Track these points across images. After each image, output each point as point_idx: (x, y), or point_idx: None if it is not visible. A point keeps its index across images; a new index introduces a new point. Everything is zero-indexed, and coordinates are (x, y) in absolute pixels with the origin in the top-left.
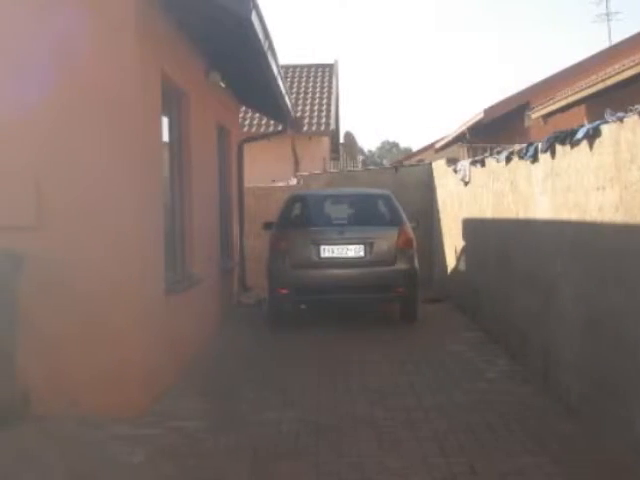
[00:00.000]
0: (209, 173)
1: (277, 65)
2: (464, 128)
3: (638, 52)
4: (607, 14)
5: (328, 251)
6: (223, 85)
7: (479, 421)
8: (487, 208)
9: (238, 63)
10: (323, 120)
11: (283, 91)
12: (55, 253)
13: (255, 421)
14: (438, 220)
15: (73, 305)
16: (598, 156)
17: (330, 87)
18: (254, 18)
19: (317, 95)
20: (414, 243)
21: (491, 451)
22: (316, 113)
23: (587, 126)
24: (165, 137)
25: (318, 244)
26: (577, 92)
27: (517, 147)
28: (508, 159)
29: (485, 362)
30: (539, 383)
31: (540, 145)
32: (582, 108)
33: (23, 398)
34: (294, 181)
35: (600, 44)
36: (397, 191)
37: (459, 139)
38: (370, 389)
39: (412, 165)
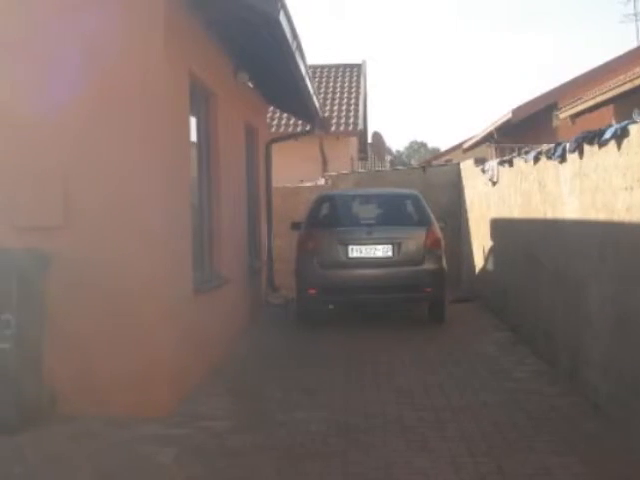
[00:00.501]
0: (237, 173)
1: (305, 65)
2: (492, 128)
3: None
4: (635, 14)
5: (356, 251)
6: (251, 85)
7: (507, 421)
8: (515, 208)
9: (266, 63)
10: (351, 120)
11: (311, 91)
12: (82, 253)
13: (283, 421)
14: (466, 220)
15: (100, 305)
16: (626, 156)
17: (358, 87)
18: (282, 18)
19: (345, 95)
20: (442, 243)
21: (518, 451)
22: (344, 113)
23: (615, 126)
24: (193, 137)
25: (346, 244)
26: (605, 92)
27: (545, 147)
28: (536, 159)
29: (513, 362)
30: (567, 383)
31: (568, 145)
32: (610, 108)
33: (50, 398)
34: (322, 181)
35: (628, 44)
36: (425, 191)
37: (487, 139)
38: (398, 389)
39: (440, 165)
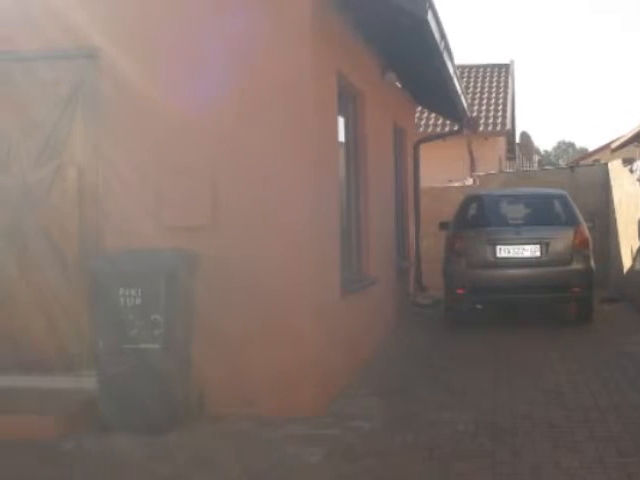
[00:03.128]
0: (385, 173)
1: (453, 65)
2: None
3: None
4: None
5: (504, 251)
6: (399, 85)
7: None
8: None
9: (414, 63)
10: (499, 120)
11: (459, 91)
12: (231, 253)
13: (431, 421)
14: (614, 220)
15: (249, 305)
16: None
17: (506, 87)
18: (430, 18)
19: (493, 95)
20: (590, 243)
21: None
22: (492, 113)
23: None
24: (341, 137)
25: (494, 244)
26: None
27: None
28: None
29: None
30: None
31: None
32: None
33: (198, 399)
34: (470, 181)
35: None
36: (573, 191)
37: (635, 139)
38: (546, 389)
39: (588, 165)
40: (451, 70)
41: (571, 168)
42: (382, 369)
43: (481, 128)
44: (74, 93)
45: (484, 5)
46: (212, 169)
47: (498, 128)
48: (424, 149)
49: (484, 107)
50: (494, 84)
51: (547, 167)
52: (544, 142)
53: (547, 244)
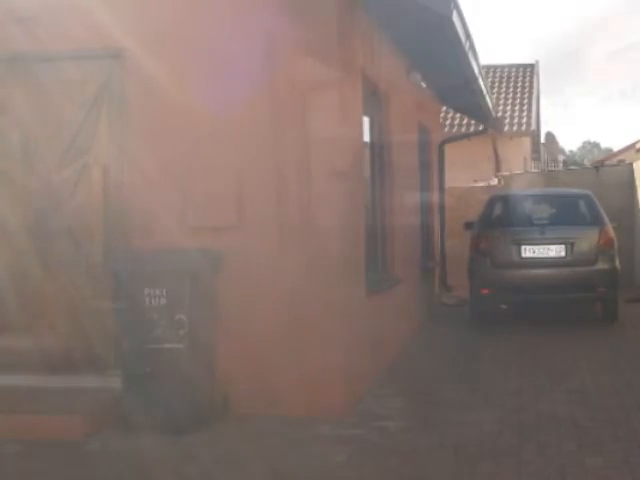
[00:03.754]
0: (410, 173)
1: (478, 65)
2: None
3: None
4: None
5: (529, 251)
6: (424, 85)
7: None
8: None
9: (438, 63)
10: (524, 120)
11: (484, 91)
12: (256, 253)
13: (456, 421)
14: (639, 220)
15: (274, 305)
16: None
17: (531, 87)
18: (455, 18)
19: (518, 95)
20: (615, 243)
21: None
22: (517, 113)
23: None
24: (366, 137)
25: (519, 244)
26: None
27: None
28: None
29: None
30: None
31: None
32: None
33: (223, 399)
34: (495, 181)
35: None
36: (598, 191)
37: None
38: (571, 389)
39: (613, 165)
40: (476, 70)
41: (596, 168)
42: (408, 369)
43: (506, 128)
44: (100, 93)
45: (509, 5)
46: (239, 169)
47: (523, 128)
48: (449, 149)
49: (509, 107)
50: (519, 84)
51: (572, 167)
52: (569, 142)
53: (572, 244)
